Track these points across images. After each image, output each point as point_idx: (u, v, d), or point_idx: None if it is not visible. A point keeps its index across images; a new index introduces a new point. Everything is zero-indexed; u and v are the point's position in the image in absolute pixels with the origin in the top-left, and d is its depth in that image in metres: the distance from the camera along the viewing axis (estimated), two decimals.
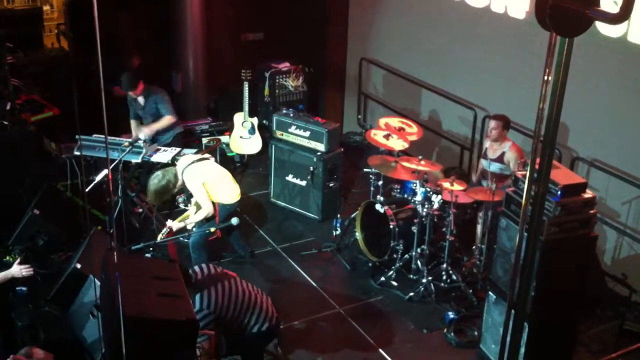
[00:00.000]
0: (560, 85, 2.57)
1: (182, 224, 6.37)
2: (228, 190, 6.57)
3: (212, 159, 6.89)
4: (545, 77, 2.57)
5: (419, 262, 6.77)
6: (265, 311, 5.02)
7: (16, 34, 8.70)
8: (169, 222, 6.35)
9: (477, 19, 7.97)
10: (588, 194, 5.12)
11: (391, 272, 6.89)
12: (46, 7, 9.86)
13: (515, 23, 7.37)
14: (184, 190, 6.69)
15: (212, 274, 4.98)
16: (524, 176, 4.99)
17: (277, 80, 9.60)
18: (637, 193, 6.56)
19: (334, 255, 7.37)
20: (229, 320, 4.86)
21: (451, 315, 6.31)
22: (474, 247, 6.93)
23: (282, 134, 8.15)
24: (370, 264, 7.12)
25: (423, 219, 6.65)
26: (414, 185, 6.82)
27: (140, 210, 7.50)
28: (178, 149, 7.26)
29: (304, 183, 8.00)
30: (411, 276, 6.83)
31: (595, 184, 6.61)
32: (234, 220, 5.71)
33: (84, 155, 6.86)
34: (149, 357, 3.51)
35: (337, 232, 7.51)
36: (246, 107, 8.84)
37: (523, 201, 2.86)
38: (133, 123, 7.82)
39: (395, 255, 6.86)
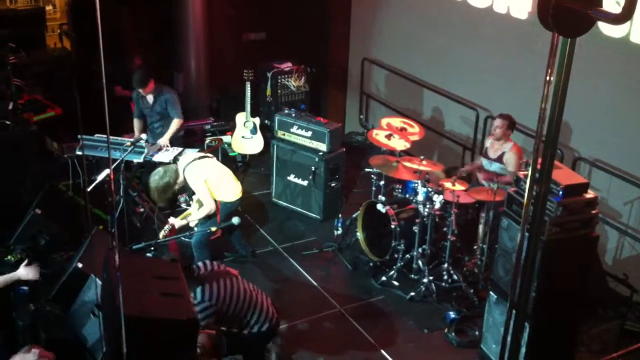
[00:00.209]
0: (562, 86, 2.57)
1: (184, 222, 6.37)
2: (229, 189, 6.57)
3: (214, 158, 6.90)
4: (548, 77, 2.57)
5: (420, 262, 6.77)
6: (265, 311, 5.02)
7: (19, 33, 8.71)
8: (171, 220, 6.36)
9: (480, 19, 7.97)
10: (590, 194, 5.12)
11: (392, 272, 6.89)
12: (49, 7, 9.87)
13: (518, 23, 7.37)
14: (185, 189, 6.70)
15: (214, 270, 4.99)
16: (526, 176, 4.99)
17: (279, 80, 9.61)
18: (639, 193, 6.56)
19: (335, 255, 7.38)
20: (229, 318, 4.86)
21: (452, 315, 6.31)
22: (475, 247, 6.92)
23: (284, 134, 8.15)
24: (371, 264, 7.12)
25: (424, 219, 6.65)
26: (416, 185, 6.82)
27: (142, 209, 7.51)
28: (180, 149, 7.26)
29: (305, 183, 8.00)
30: (412, 276, 6.83)
31: (597, 184, 6.61)
32: (235, 220, 5.71)
33: (86, 155, 6.87)
34: (149, 356, 3.51)
35: (339, 232, 7.51)
36: (248, 107, 8.85)
37: (525, 201, 2.87)
38: (136, 122, 7.81)
39: (396, 255, 6.86)
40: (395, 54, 9.61)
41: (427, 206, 6.62)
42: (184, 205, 7.13)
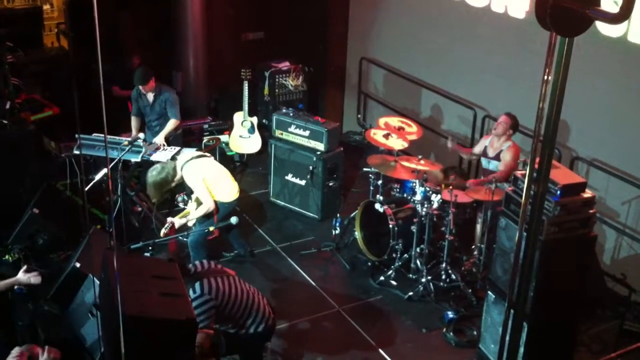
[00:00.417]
0: (560, 85, 2.57)
1: (183, 220, 6.37)
2: (227, 188, 6.57)
3: (212, 157, 6.90)
4: (545, 77, 2.57)
5: (418, 262, 6.77)
6: (262, 312, 5.01)
7: (16, 33, 8.68)
8: (170, 218, 6.36)
9: (477, 18, 7.97)
10: (587, 193, 5.12)
11: (390, 272, 6.89)
12: (46, 7, 9.86)
13: (516, 23, 7.37)
14: (183, 188, 6.70)
15: (211, 268, 4.98)
16: (524, 176, 4.99)
17: (277, 80, 9.61)
18: (637, 193, 6.57)
19: (333, 255, 7.37)
20: (226, 316, 4.84)
21: (450, 314, 6.31)
22: (473, 246, 6.93)
23: (281, 134, 8.15)
24: (369, 264, 7.12)
25: (422, 219, 6.65)
26: (414, 184, 6.82)
27: (140, 209, 7.50)
28: (177, 148, 7.26)
29: (303, 182, 8.00)
30: (410, 275, 6.83)
31: (595, 184, 6.62)
32: (233, 219, 5.70)
33: (84, 154, 6.87)
34: (148, 356, 3.50)
35: (337, 232, 7.51)
36: (246, 106, 8.84)
37: (522, 201, 2.87)
38: (134, 120, 7.82)
39: (394, 255, 6.86)
40: (393, 54, 9.61)
41: (425, 206, 6.62)
42: (181, 205, 7.13)
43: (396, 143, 7.22)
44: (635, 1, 2.26)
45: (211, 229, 6.10)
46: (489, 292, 5.67)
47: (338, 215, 7.62)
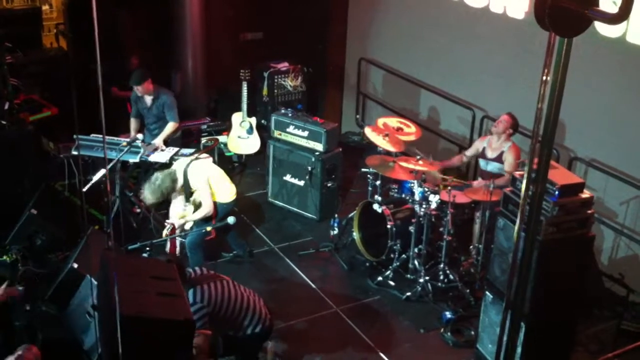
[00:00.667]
0: (558, 85, 2.57)
1: (182, 221, 6.37)
2: (226, 189, 6.58)
3: (210, 158, 6.90)
4: (544, 77, 2.58)
5: (416, 262, 6.77)
6: (258, 313, 5.03)
7: (15, 33, 8.68)
8: (170, 220, 6.35)
9: (476, 19, 7.97)
10: (586, 194, 5.12)
11: (389, 272, 6.89)
12: (45, 7, 9.85)
13: (514, 23, 7.38)
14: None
15: (205, 274, 5.03)
16: (522, 176, 4.99)
17: (276, 80, 9.60)
18: (635, 193, 6.57)
19: (331, 255, 7.37)
20: (221, 320, 4.87)
21: (448, 315, 6.31)
22: (471, 247, 6.93)
23: (280, 134, 8.15)
24: (367, 264, 7.12)
25: (421, 219, 6.65)
26: (412, 185, 6.82)
27: (138, 210, 7.50)
28: (176, 149, 7.26)
29: (302, 183, 8.00)
30: (408, 276, 6.83)
31: (593, 184, 6.62)
32: (231, 220, 5.71)
33: (82, 155, 6.86)
34: (146, 356, 3.50)
35: (335, 232, 7.51)
36: (244, 106, 8.84)
37: (521, 201, 2.87)
38: (133, 121, 7.82)
39: (392, 255, 6.86)
40: (392, 54, 9.61)
41: (424, 206, 6.63)
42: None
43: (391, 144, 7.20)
44: (634, 2, 2.27)
45: (208, 229, 6.10)
46: (487, 292, 5.67)
47: (336, 215, 7.62)
